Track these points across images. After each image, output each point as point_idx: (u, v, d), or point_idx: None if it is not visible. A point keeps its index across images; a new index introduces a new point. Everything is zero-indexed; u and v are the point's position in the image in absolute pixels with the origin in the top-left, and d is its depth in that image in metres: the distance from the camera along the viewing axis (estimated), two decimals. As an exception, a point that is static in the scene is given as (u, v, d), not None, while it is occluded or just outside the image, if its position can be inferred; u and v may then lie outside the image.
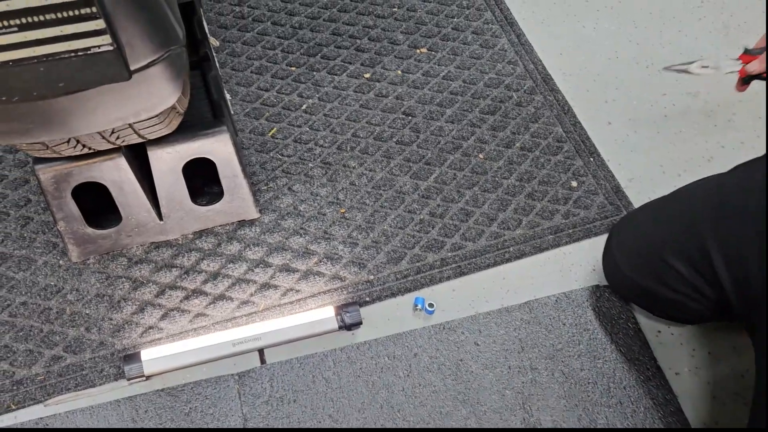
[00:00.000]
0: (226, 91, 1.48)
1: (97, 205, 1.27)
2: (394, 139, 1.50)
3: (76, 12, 0.67)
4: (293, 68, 1.61)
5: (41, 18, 0.66)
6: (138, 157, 1.23)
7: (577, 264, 1.34)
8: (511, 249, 1.35)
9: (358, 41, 1.67)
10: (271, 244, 1.35)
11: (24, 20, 0.66)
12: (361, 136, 1.51)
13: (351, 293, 1.29)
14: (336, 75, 1.60)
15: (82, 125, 0.84)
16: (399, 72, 1.61)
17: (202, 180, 1.36)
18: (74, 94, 0.77)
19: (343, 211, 1.40)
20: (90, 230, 1.26)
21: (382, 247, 1.35)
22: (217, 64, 1.50)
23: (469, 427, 1.14)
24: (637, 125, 1.54)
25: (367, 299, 1.29)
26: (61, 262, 1.31)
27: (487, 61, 1.64)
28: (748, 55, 1.26)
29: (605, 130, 1.53)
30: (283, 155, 1.47)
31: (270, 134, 1.50)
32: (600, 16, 1.75)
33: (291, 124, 1.52)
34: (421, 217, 1.39)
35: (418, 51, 1.65)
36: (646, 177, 1.46)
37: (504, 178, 1.44)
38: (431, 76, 1.61)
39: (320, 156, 1.47)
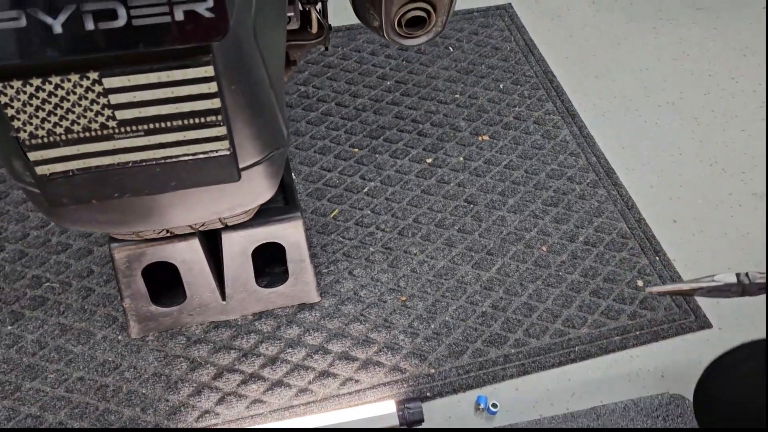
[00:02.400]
0: (291, 171, 1.49)
1: (159, 280, 1.26)
2: (456, 227, 1.49)
3: (202, 119, 0.67)
4: (356, 150, 1.63)
5: (168, 124, 0.67)
6: (208, 237, 1.23)
7: (645, 369, 1.30)
8: (576, 349, 1.32)
9: (420, 126, 1.68)
10: (330, 330, 1.32)
11: (152, 125, 0.66)
12: (423, 222, 1.50)
13: (411, 386, 1.26)
14: (398, 158, 1.61)
15: (178, 218, 0.84)
16: (461, 159, 1.62)
17: (263, 259, 1.35)
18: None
19: (404, 299, 1.38)
20: (154, 308, 1.25)
21: (444, 339, 1.32)
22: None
23: None
24: (703, 225, 1.52)
25: (428, 394, 1.25)
26: (120, 337, 1.30)
27: (549, 152, 1.64)
28: None
29: (670, 228, 1.51)
30: (344, 238, 1.46)
31: (332, 215, 1.50)
32: (661, 112, 1.75)
33: (353, 206, 1.52)
34: (483, 309, 1.36)
35: (479, 138, 1.66)
36: (714, 280, 1.42)
37: (568, 273, 1.42)
38: (493, 164, 1.61)
39: (381, 240, 1.46)
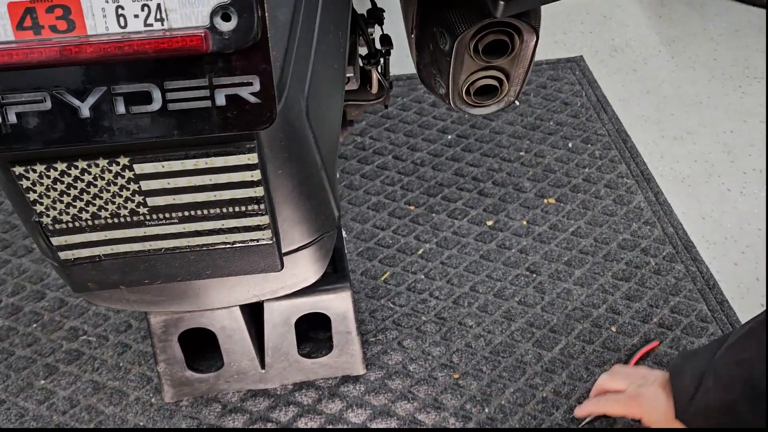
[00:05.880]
0: (342, 229, 1.41)
1: (194, 341, 1.19)
2: (516, 299, 1.38)
3: (242, 208, 0.60)
4: (412, 207, 1.54)
5: (204, 212, 0.59)
6: (250, 303, 1.15)
7: (728, 478, 1.14)
8: (648, 448, 1.17)
9: (481, 184, 1.58)
10: (375, 407, 1.22)
11: (186, 213, 0.59)
12: (481, 291, 1.39)
13: (461, 479, 1.14)
14: (456, 219, 1.51)
15: (215, 301, 0.77)
16: (524, 222, 1.51)
17: (307, 322, 1.27)
18: (216, 277, 0.70)
19: (456, 376, 1.27)
20: (189, 373, 1.18)
21: (499, 426, 1.20)
22: (337, 200, 1.45)
23: None
24: (795, 312, 1.36)
25: (479, 490, 1.13)
26: (153, 400, 1.23)
27: (621, 219, 1.51)
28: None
29: (757, 313, 1.35)
30: (395, 304, 1.37)
31: (383, 278, 1.41)
32: (748, 180, 1.60)
33: (405, 269, 1.42)
34: (544, 394, 1.24)
35: (545, 201, 1.55)
36: (810, 377, 1.26)
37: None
38: (559, 230, 1.49)
39: (435, 309, 1.36)
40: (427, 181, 1.59)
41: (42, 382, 1.26)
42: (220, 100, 0.51)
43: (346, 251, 1.39)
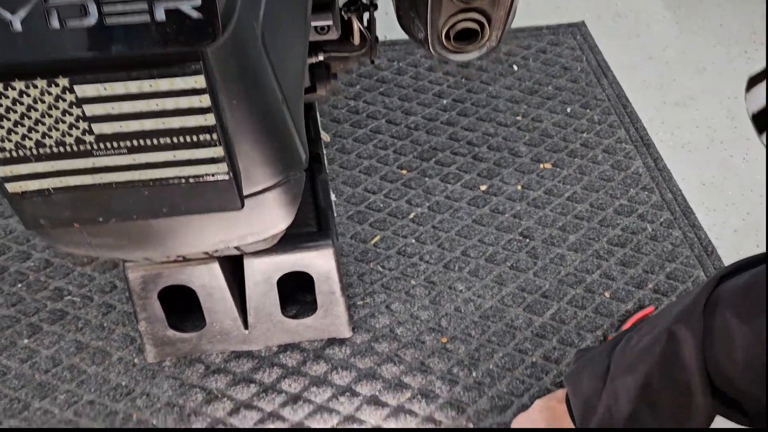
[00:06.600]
0: (332, 191, 1.39)
1: (179, 302, 1.18)
2: (508, 263, 1.35)
3: (194, 138, 0.57)
4: (404, 171, 1.51)
5: (154, 142, 0.57)
6: (231, 261, 1.13)
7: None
8: (638, 414, 1.14)
9: (476, 149, 1.55)
10: (360, 370, 1.20)
11: (135, 143, 0.56)
12: (472, 255, 1.36)
13: (445, 442, 1.12)
14: (449, 183, 1.48)
15: (181, 246, 0.75)
16: (519, 187, 1.47)
17: (293, 285, 1.24)
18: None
19: (444, 340, 1.24)
20: (171, 333, 1.16)
21: (486, 390, 1.18)
22: (326, 163, 1.42)
23: None
24: (795, 279, 1.32)
25: (464, 453, 1.11)
26: (136, 360, 1.22)
27: (618, 185, 1.47)
28: None
29: (756, 280, 1.32)
30: (384, 268, 1.34)
31: (372, 242, 1.38)
32: (751, 146, 1.56)
33: (396, 233, 1.40)
34: (534, 359, 1.21)
35: (541, 166, 1.51)
36: (808, 345, 1.22)
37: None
38: (554, 195, 1.46)
39: (424, 273, 1.33)
40: (420, 146, 1.56)
41: (25, 341, 1.25)
42: (160, 14, 0.48)
43: (335, 213, 1.36)
